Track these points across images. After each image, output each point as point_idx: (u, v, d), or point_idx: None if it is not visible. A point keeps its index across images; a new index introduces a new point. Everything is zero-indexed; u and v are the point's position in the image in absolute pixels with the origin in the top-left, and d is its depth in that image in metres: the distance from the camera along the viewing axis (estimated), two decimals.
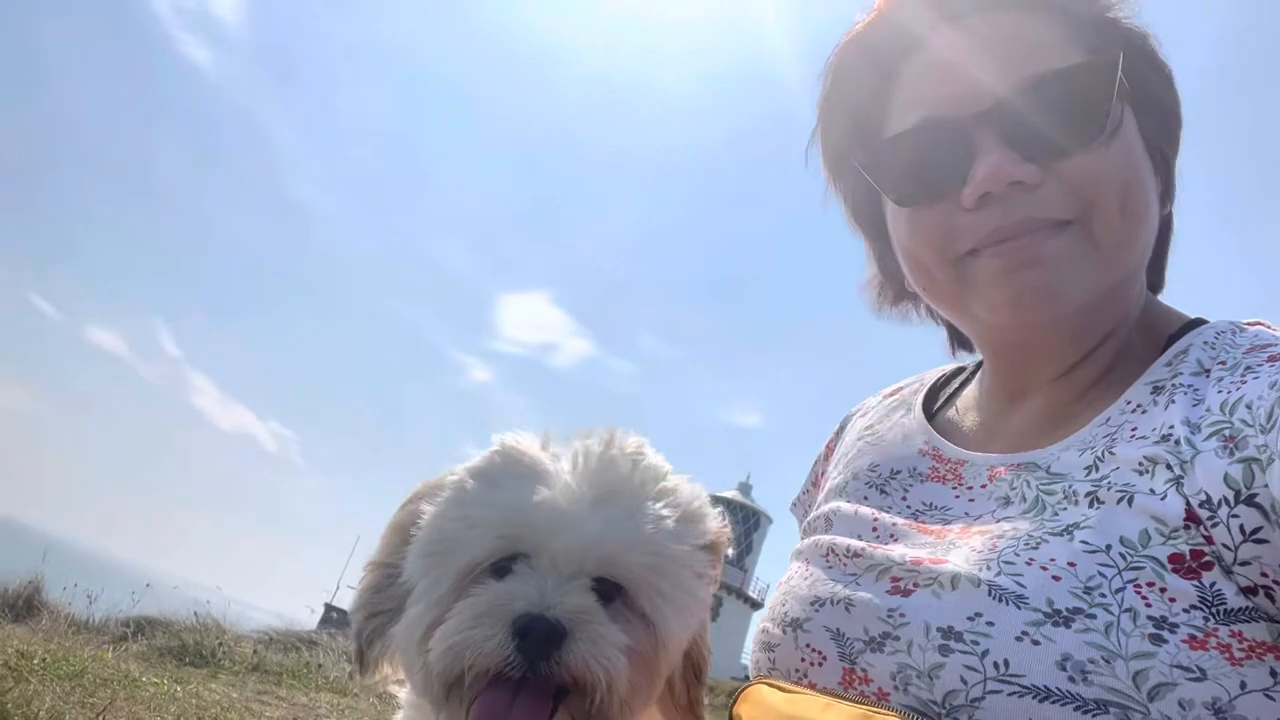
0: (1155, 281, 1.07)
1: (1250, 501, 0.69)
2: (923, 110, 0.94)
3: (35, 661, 5.10)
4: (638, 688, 0.89)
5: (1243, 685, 0.66)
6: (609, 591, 0.90)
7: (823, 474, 1.28)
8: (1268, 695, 0.66)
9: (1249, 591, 0.69)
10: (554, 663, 0.82)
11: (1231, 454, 0.72)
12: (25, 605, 7.97)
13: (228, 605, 8.83)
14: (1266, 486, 0.69)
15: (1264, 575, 0.68)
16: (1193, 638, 0.68)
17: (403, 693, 1.04)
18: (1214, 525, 0.71)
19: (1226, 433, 0.74)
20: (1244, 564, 0.69)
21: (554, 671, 0.83)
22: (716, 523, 1.00)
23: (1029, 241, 0.88)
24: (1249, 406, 0.74)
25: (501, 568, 0.90)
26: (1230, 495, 0.71)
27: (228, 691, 6.19)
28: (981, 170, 0.88)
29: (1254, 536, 0.69)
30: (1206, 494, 0.72)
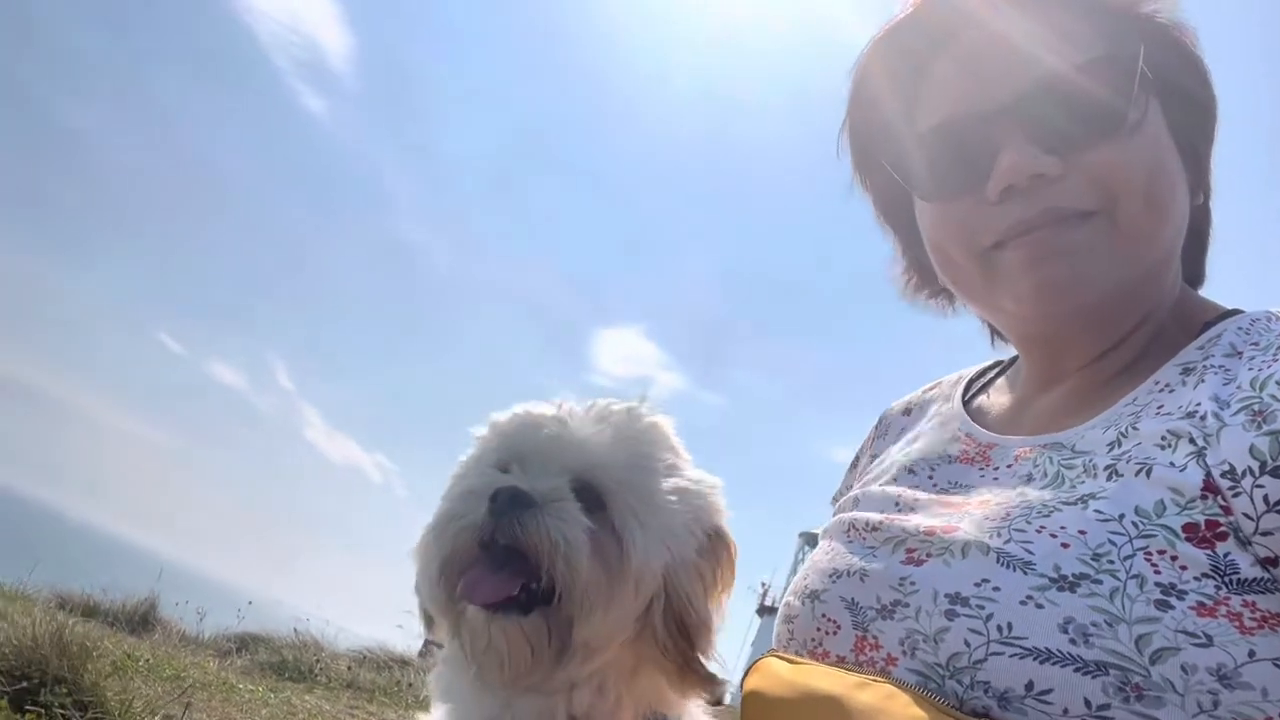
0: (1195, 275, 1.07)
1: (1276, 473, 0.70)
2: (948, 107, 0.96)
3: (140, 663, 5.32)
4: (600, 584, 0.92)
5: (1251, 653, 0.66)
6: (591, 500, 0.95)
7: (857, 466, 1.32)
8: (1276, 665, 0.66)
9: (1269, 563, 0.69)
10: (515, 524, 0.89)
11: (1259, 427, 0.73)
12: (141, 620, 8.37)
13: (325, 625, 9.06)
14: None
15: None
16: (1201, 605, 0.68)
17: (434, 679, 1.08)
18: (1235, 495, 0.71)
19: (1255, 407, 0.75)
20: (1265, 534, 0.69)
21: (516, 533, 0.89)
22: (725, 526, 1.05)
23: (1052, 233, 0.90)
24: (1279, 383, 0.75)
25: (502, 470, 1.00)
26: (1255, 466, 0.71)
27: (320, 703, 6.29)
28: (1004, 163, 0.90)
29: (1277, 507, 0.69)
30: (1230, 464, 0.73)
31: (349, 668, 8.17)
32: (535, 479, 0.94)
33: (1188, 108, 0.96)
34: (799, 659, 0.94)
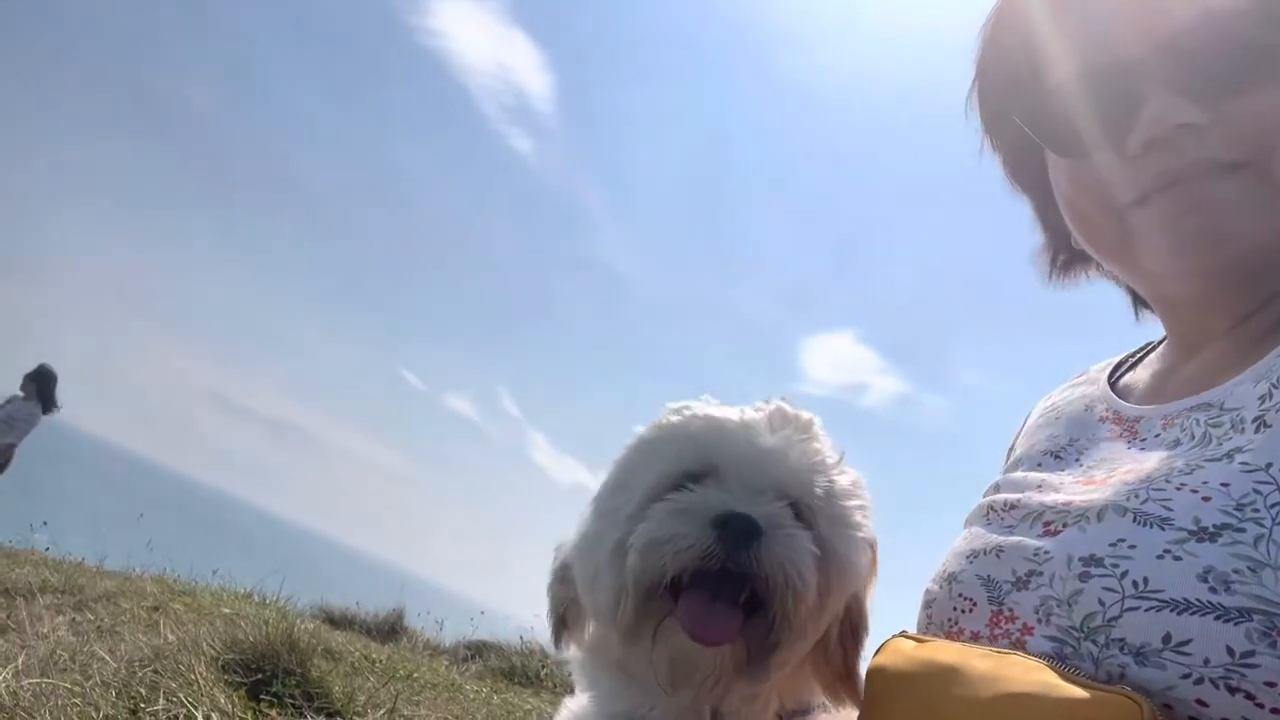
0: None
1: None
2: (1083, 58, 0.92)
3: (376, 665, 5.78)
4: (813, 611, 0.89)
5: None
6: (798, 519, 0.92)
7: (1009, 459, 1.27)
8: None
9: None
10: (751, 557, 0.85)
11: None
12: (390, 629, 9.20)
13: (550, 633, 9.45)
14: None
15: None
16: None
17: (576, 666, 1.10)
18: None
19: None
20: None
21: (750, 566, 0.85)
22: (871, 530, 1.03)
23: (1196, 185, 0.87)
24: None
25: (691, 482, 0.94)
26: None
27: (542, 705, 6.51)
28: (1147, 114, 0.87)
29: None
30: None
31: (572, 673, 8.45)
32: (742, 496, 0.91)
33: None
34: (926, 638, 0.92)
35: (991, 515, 1.00)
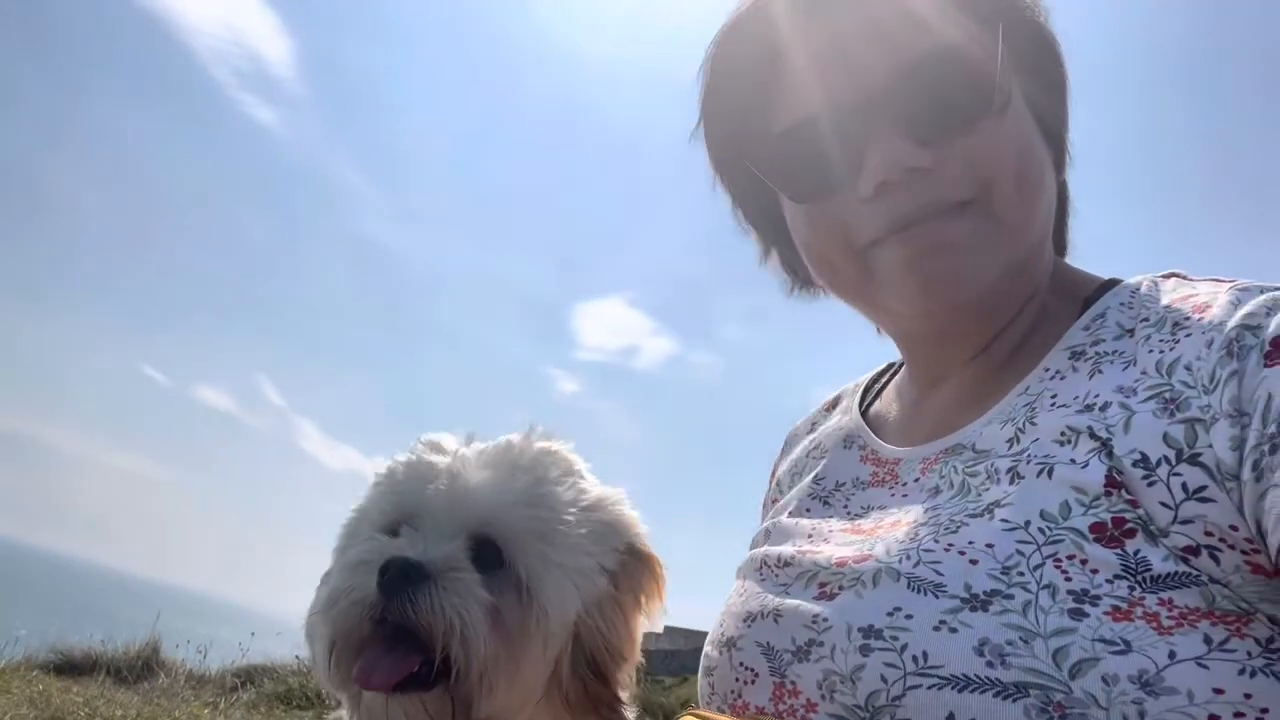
0: (1059, 247, 1.06)
1: (1194, 461, 0.68)
2: (810, 103, 0.92)
3: None
4: (501, 658, 0.86)
5: (1172, 655, 0.63)
6: (491, 558, 0.90)
7: (771, 495, 1.28)
8: (1200, 664, 0.62)
9: (1190, 551, 0.66)
10: (407, 601, 0.83)
11: (1172, 415, 0.71)
12: (144, 667, 8.38)
13: None
14: (1210, 446, 0.67)
15: (1208, 535, 0.66)
16: (1116, 609, 0.65)
17: None
18: (1151, 484, 0.69)
19: (1167, 395, 0.73)
20: (1185, 523, 0.67)
21: (408, 613, 0.83)
22: (641, 540, 1.00)
23: (932, 227, 0.87)
24: (1189, 368, 0.73)
25: (392, 531, 0.94)
26: (1171, 454, 0.69)
27: None
28: (874, 159, 0.87)
29: (1197, 495, 0.67)
30: (1142, 453, 0.70)
31: None
32: (429, 542, 0.89)
33: (1044, 84, 0.94)
34: (715, 716, 0.89)
35: (765, 570, 0.97)
